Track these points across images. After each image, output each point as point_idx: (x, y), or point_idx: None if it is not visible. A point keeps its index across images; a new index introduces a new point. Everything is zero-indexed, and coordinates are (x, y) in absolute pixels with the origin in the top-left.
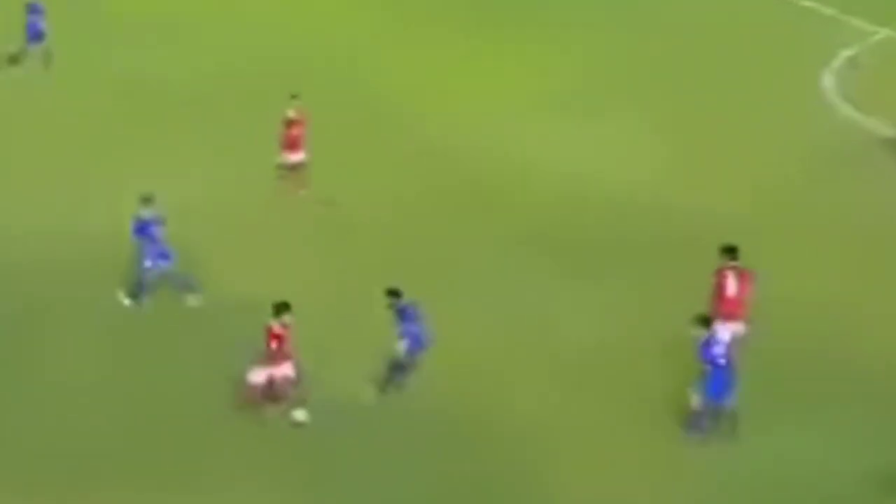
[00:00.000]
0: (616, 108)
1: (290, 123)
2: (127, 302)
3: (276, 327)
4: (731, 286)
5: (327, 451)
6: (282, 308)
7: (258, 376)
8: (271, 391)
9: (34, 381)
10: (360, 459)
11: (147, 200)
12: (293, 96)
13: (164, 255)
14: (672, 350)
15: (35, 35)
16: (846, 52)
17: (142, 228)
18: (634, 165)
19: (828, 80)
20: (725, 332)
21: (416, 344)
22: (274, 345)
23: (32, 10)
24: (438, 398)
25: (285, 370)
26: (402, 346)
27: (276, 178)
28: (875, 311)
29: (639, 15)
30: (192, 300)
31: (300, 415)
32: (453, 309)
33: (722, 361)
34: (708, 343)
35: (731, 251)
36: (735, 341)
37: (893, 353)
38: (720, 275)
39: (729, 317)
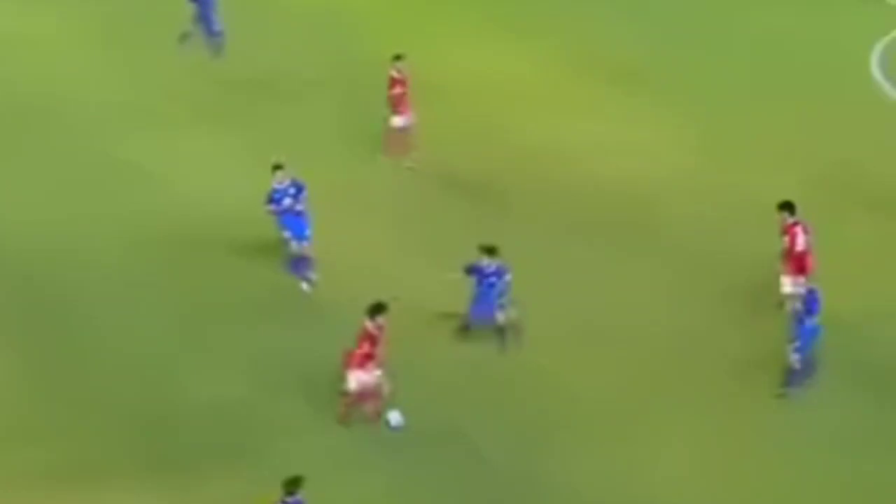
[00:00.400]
0: (634, 103)
1: (392, 82)
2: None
3: (371, 328)
4: (801, 241)
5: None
6: (377, 308)
7: (351, 383)
8: (364, 394)
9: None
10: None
11: (278, 168)
12: (397, 57)
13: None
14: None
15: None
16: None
17: (277, 200)
18: (680, 150)
19: (875, 63)
20: (799, 286)
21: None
22: (367, 346)
23: None
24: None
25: (375, 373)
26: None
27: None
28: None
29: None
30: (306, 286)
31: (395, 417)
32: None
33: (815, 316)
34: (803, 300)
35: (789, 206)
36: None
37: None
38: (790, 231)
39: (802, 271)
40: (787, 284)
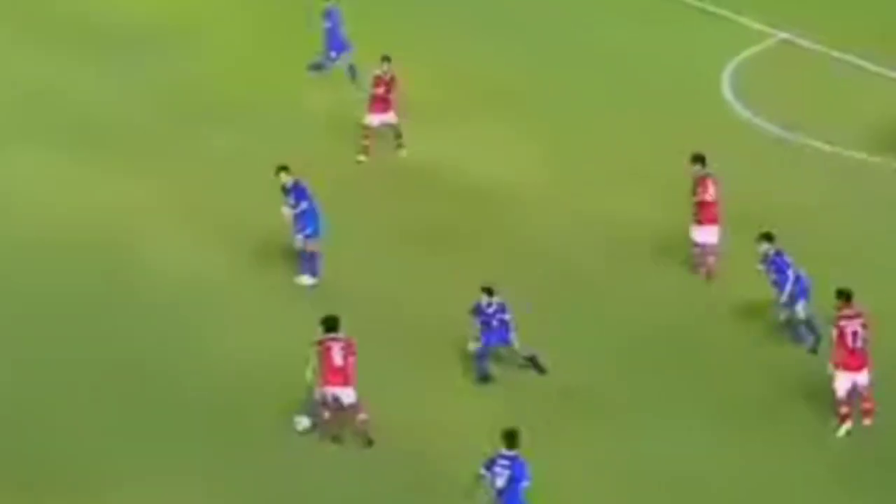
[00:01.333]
0: (490, 118)
1: (376, 81)
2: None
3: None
4: (711, 192)
5: None
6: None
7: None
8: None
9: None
10: None
11: (284, 169)
12: (384, 58)
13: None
14: None
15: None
16: (745, 54)
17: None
18: (532, 168)
19: (726, 82)
20: (710, 235)
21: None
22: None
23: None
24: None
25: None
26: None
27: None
28: None
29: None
30: (307, 280)
31: (303, 422)
32: None
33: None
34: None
35: (700, 159)
36: (712, 247)
37: None
38: (701, 182)
39: (712, 220)
40: (698, 234)
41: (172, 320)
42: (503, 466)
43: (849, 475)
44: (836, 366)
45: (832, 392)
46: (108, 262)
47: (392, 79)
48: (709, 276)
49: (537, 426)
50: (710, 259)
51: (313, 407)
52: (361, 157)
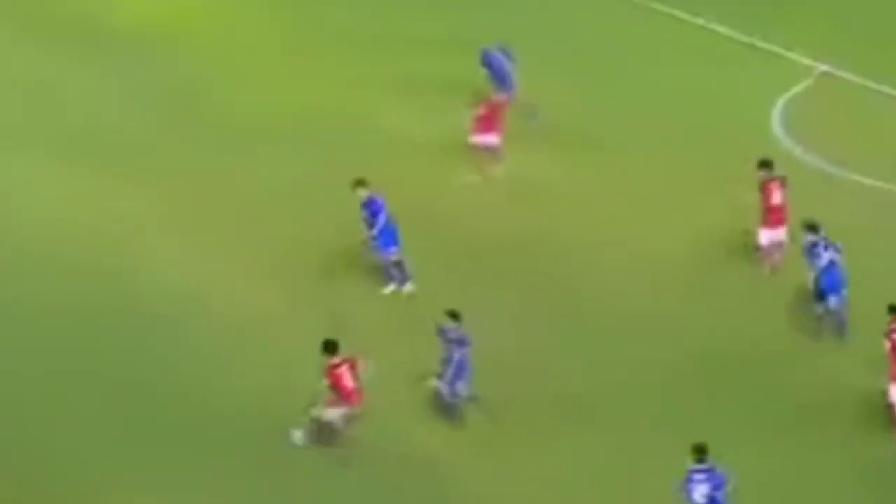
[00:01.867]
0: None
1: (479, 103)
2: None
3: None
4: (777, 195)
5: None
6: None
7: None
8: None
9: None
10: None
11: (360, 184)
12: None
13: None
14: None
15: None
16: (795, 90)
17: (374, 214)
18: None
19: (776, 119)
20: (776, 238)
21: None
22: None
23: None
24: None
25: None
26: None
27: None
28: None
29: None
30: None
31: (298, 436)
32: None
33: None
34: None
35: (767, 164)
36: (779, 246)
37: None
38: (766, 187)
39: (778, 223)
40: (764, 237)
41: (175, 334)
42: (698, 481)
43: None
44: (893, 378)
45: (889, 405)
46: (110, 273)
47: (496, 101)
48: (774, 270)
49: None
50: (777, 256)
51: (317, 426)
52: (470, 177)
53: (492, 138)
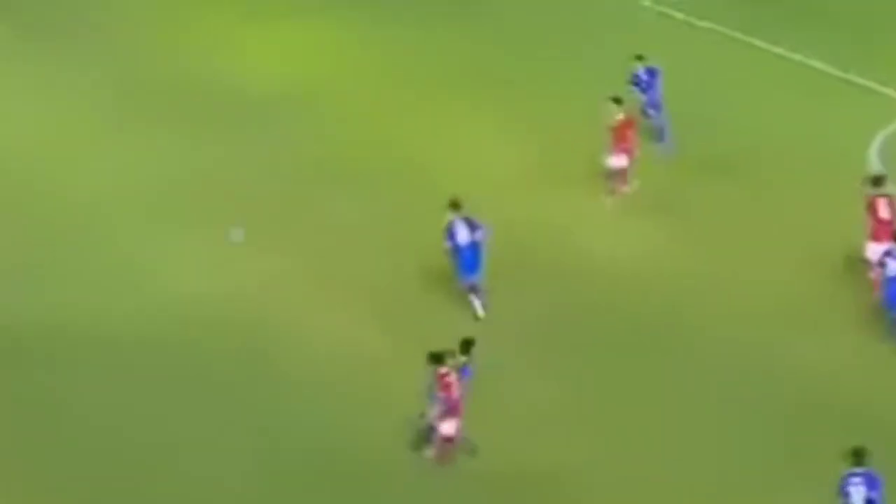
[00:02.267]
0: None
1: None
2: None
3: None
4: (884, 210)
5: None
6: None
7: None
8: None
9: None
10: None
11: (454, 205)
12: (615, 100)
13: (471, 266)
14: None
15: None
16: (892, 126)
17: (452, 236)
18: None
19: (874, 154)
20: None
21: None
22: (443, 392)
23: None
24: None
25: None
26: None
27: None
28: None
29: None
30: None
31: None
32: None
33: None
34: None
35: (875, 180)
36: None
37: None
38: (873, 202)
39: (884, 238)
40: (871, 250)
41: (313, 396)
42: (856, 484)
43: None
44: None
45: None
46: (247, 336)
47: (623, 122)
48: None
49: None
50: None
51: (431, 436)
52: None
53: (622, 160)
